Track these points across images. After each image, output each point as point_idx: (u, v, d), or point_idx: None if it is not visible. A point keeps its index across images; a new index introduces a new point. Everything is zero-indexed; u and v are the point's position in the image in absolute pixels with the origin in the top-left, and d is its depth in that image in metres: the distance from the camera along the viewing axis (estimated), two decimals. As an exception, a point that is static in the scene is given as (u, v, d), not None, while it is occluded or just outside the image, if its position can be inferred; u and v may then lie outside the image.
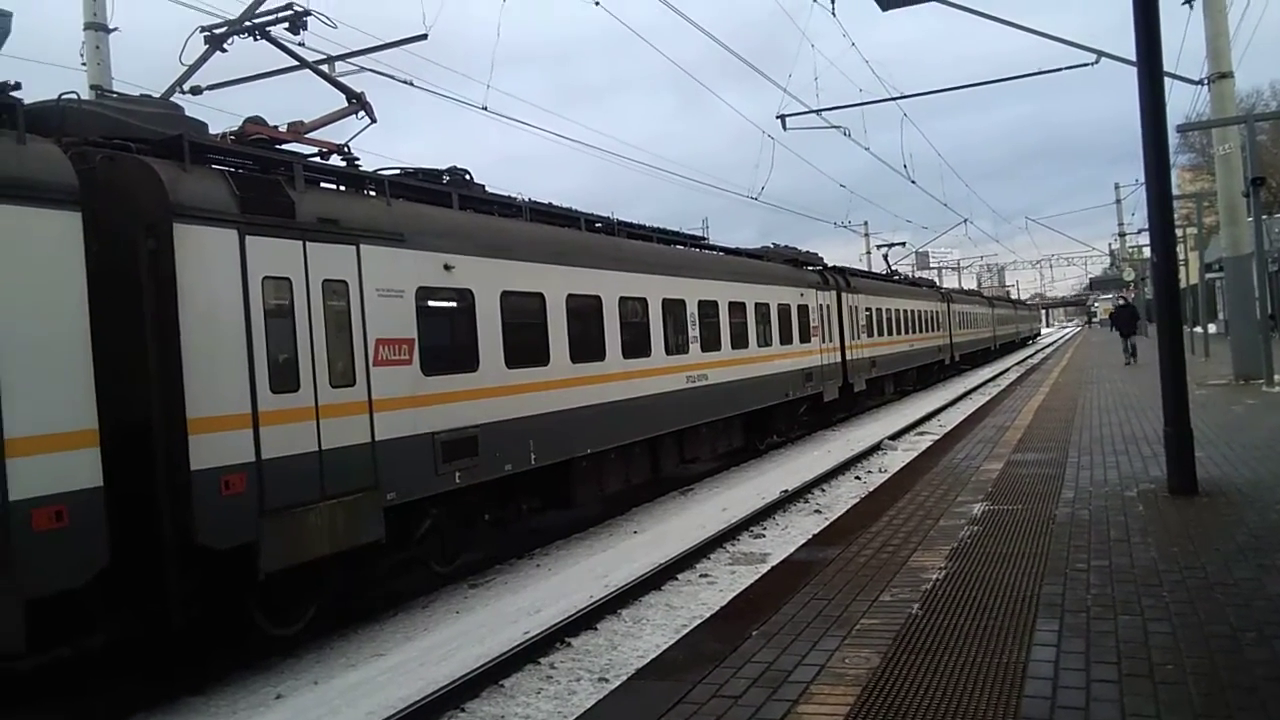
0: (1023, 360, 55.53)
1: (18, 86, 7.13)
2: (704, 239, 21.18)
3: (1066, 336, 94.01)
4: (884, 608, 5.96)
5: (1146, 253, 53.61)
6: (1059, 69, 20.15)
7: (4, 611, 6.13)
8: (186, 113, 9.33)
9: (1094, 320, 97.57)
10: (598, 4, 15.85)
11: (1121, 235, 61.62)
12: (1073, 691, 4.37)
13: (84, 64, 12.85)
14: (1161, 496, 8.77)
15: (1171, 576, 6.15)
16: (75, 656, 7.25)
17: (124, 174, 7.67)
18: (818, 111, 22.18)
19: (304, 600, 8.89)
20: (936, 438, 17.48)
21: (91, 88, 12.12)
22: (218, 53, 10.52)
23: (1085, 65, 18.70)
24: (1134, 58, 9.14)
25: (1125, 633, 5.12)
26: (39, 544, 6.34)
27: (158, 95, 10.00)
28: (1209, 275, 36.83)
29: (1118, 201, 59.11)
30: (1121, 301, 38.26)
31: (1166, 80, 9.72)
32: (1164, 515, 8.01)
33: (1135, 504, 8.52)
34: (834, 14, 19.34)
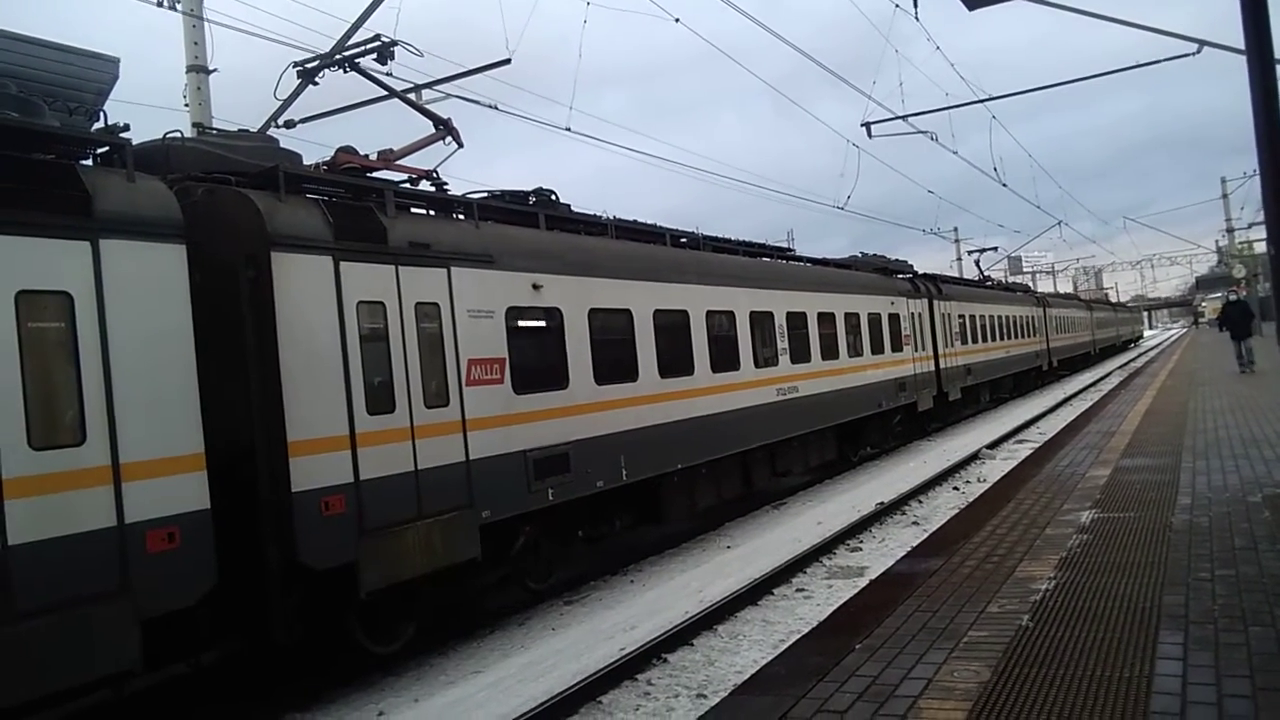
0: (1125, 364, 53.46)
1: (127, 128, 7.48)
2: (790, 250, 20.96)
3: (1171, 338, 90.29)
4: (992, 619, 5.74)
5: (1258, 248, 51.04)
6: (1156, 61, 19.33)
7: (121, 630, 6.36)
8: (281, 145, 9.64)
9: (1200, 321, 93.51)
10: (677, 20, 15.86)
11: (1230, 231, 58.79)
12: (1204, 707, 4.13)
13: (186, 104, 13.37)
14: (1288, 501, 8.28)
15: (1305, 585, 5.78)
16: (189, 674, 7.49)
17: (224, 206, 7.95)
18: (904, 117, 21.70)
19: (403, 618, 9.02)
20: (1037, 445, 16.90)
21: (194, 125, 12.62)
22: (310, 86, 10.85)
23: (1186, 56, 17.90)
24: (1239, 45, 8.73)
25: (1258, 645, 4.82)
26: (153, 565, 6.57)
27: (254, 130, 10.36)
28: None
29: (1224, 196, 56.47)
30: (1233, 297, 33.39)
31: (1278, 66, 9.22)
32: (1292, 521, 7.55)
33: (1260, 509, 8.06)
34: (917, 18, 18.97)
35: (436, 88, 13.40)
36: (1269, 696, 4.18)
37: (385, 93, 11.40)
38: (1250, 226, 53.61)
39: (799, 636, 7.28)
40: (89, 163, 7.24)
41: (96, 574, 6.29)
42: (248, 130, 10.18)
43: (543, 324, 10.86)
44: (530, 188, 12.40)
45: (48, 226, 6.34)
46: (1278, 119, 8.77)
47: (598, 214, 13.45)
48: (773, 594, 10.38)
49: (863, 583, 9.28)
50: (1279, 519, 7.64)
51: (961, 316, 28.15)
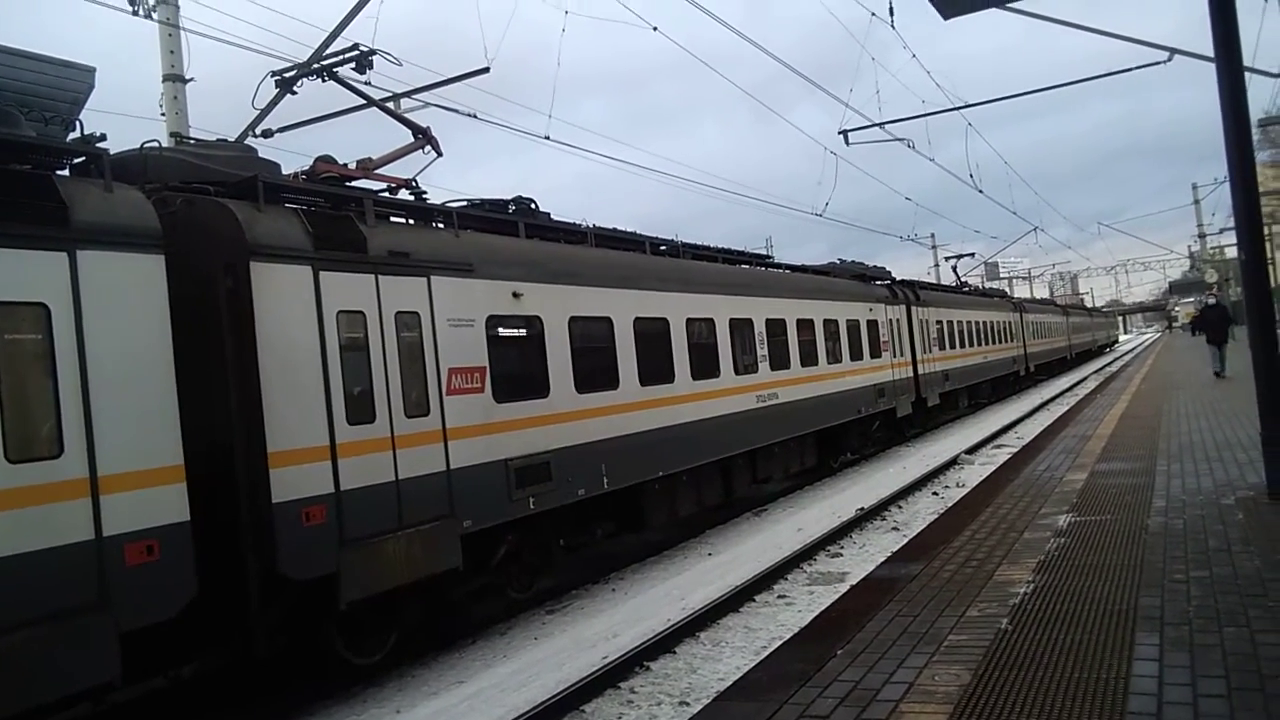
0: (1100, 369, 53.99)
1: (103, 138, 7.44)
2: (769, 258, 21.07)
3: (1146, 343, 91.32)
4: (972, 623, 5.79)
5: (1229, 253, 51.69)
6: (1127, 69, 19.58)
7: (101, 643, 6.30)
8: (260, 155, 9.61)
9: (1174, 325, 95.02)
10: (655, 29, 15.94)
11: (1202, 236, 59.56)
12: (1180, 707, 4.19)
13: (163, 114, 13.32)
14: (1262, 503, 8.39)
15: (1278, 586, 5.86)
16: (169, 686, 7.42)
17: (203, 216, 7.91)
18: (880, 125, 21.87)
19: (384, 629, 8.98)
20: (1015, 450, 17.03)
21: (171, 135, 12.56)
22: (288, 95, 10.82)
23: (1157, 64, 18.13)
24: (1208, 53, 8.88)
25: (1232, 645, 4.89)
26: (132, 578, 6.52)
27: (232, 139, 10.32)
28: (1298, 274, 35.09)
29: (1196, 202, 57.22)
30: (1212, 300, 33.06)
31: (1246, 75, 9.38)
32: (1266, 522, 7.66)
33: (1234, 511, 8.17)
34: (893, 26, 19.13)
35: (415, 96, 13.43)
36: (1244, 696, 4.24)
37: (364, 101, 11.39)
38: (1221, 232, 54.39)
39: (781, 643, 7.30)
40: (65, 173, 7.20)
41: (75, 587, 6.22)
42: (226, 139, 10.14)
43: (523, 332, 10.87)
44: (509, 196, 12.41)
45: (24, 237, 6.29)
46: (1247, 126, 8.95)
47: (577, 222, 13.49)
48: (754, 600, 10.41)
49: (844, 588, 9.33)
50: (1252, 521, 7.75)
51: (939, 322, 28.36)
